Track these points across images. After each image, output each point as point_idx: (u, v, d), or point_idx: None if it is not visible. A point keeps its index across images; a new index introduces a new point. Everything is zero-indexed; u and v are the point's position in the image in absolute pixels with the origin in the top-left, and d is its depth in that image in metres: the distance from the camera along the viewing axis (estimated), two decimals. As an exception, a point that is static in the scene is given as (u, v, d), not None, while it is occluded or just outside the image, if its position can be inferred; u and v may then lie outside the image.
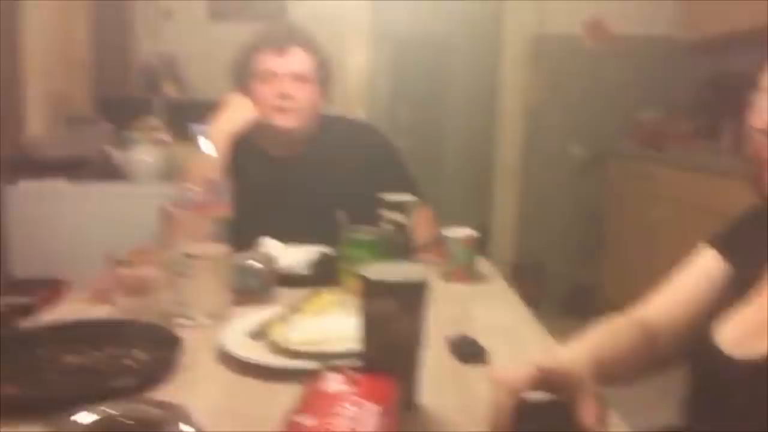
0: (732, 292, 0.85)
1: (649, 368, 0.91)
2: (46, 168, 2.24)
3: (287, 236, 1.44)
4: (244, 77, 1.61)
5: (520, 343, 1.02)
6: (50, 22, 2.57)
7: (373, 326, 0.74)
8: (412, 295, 0.73)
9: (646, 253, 3.01)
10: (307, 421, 0.59)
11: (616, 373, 0.85)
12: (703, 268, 0.92)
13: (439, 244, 1.42)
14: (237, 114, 1.58)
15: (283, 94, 1.55)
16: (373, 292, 0.73)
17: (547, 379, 0.68)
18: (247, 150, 1.61)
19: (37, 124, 2.47)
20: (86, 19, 2.71)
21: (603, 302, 3.60)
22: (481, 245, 1.41)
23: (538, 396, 0.67)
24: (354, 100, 3.55)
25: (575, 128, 3.70)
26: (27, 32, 2.41)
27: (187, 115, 2.29)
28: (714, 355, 0.80)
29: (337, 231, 1.30)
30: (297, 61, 1.58)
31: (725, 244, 0.93)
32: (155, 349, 0.88)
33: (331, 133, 1.70)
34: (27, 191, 2.25)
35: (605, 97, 3.64)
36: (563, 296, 3.68)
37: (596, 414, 0.66)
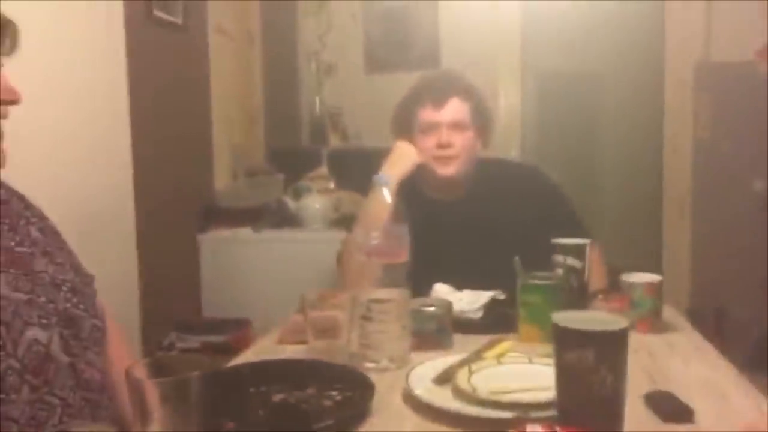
0: None
1: None
2: (231, 217, 2.48)
3: (456, 281, 1.45)
4: (406, 129, 1.68)
5: (726, 399, 0.93)
6: (231, 81, 2.87)
7: (569, 377, 0.72)
8: (610, 345, 0.70)
9: None
10: (518, 474, 0.59)
11: None
12: None
13: (618, 290, 1.35)
14: (404, 160, 1.64)
15: (443, 144, 1.59)
16: (569, 341, 0.71)
17: None
18: (410, 195, 1.66)
19: (222, 177, 2.75)
20: (261, 78, 2.99)
21: (799, 354, 3.19)
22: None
23: None
24: (507, 140, 3.54)
25: (754, 160, 3.38)
26: (213, 91, 2.71)
27: (349, 164, 2.43)
28: None
29: (506, 276, 1.29)
30: (454, 110, 1.62)
31: None
32: (351, 391, 0.93)
33: (493, 175, 1.71)
34: (216, 239, 2.50)
35: (790, 126, 3.29)
36: (749, 347, 3.31)
37: None
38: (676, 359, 1.12)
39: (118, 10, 2.01)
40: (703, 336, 1.28)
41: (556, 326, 0.74)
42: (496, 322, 1.30)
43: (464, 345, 1.15)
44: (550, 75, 4.39)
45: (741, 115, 3.38)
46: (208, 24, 2.66)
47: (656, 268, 3.93)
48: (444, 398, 0.93)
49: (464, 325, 1.30)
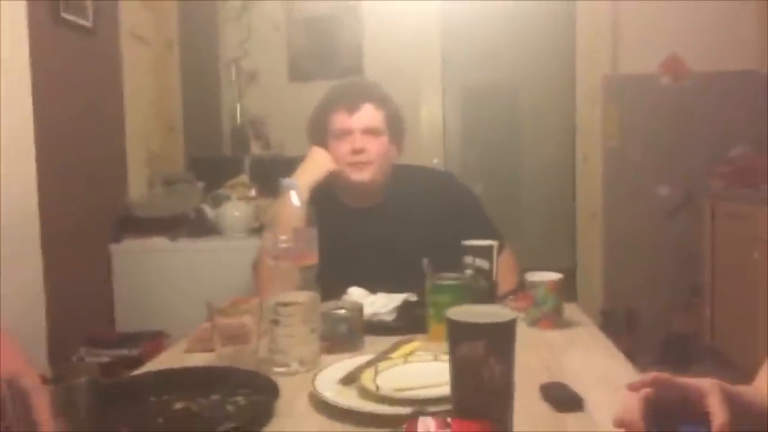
0: None
1: None
2: (147, 227, 2.40)
3: (371, 285, 1.47)
4: (320, 135, 1.69)
5: (617, 391, 0.98)
6: (146, 87, 2.79)
7: (461, 369, 0.75)
8: (500, 336, 0.73)
9: (748, 297, 2.84)
10: (405, 463, 0.60)
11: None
12: None
13: (523, 289, 1.40)
14: (317, 166, 1.65)
15: (356, 150, 1.62)
16: (460, 334, 0.74)
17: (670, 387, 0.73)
18: (326, 201, 1.68)
19: (137, 186, 2.67)
20: (179, 85, 2.93)
21: (701, 351, 3.40)
22: (568, 291, 1.39)
23: None
24: (430, 150, 3.62)
25: (659, 168, 3.59)
26: (127, 99, 2.63)
27: (272, 172, 2.41)
28: None
29: (420, 278, 1.32)
30: (368, 116, 1.65)
31: None
32: (255, 395, 0.92)
33: (408, 182, 1.74)
34: (130, 249, 2.42)
35: (689, 135, 3.52)
36: (658, 345, 3.50)
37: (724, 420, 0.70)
38: (574, 353, 1.17)
39: (21, 11, 1.92)
40: (615, 334, 1.34)
41: (448, 320, 0.76)
42: (409, 323, 1.32)
43: (376, 347, 1.17)
44: (470, 87, 4.53)
45: (646, 124, 3.59)
46: (121, 28, 2.58)
47: (572, 272, 4.09)
48: (349, 398, 0.94)
49: (377, 328, 1.32)
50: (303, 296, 1.08)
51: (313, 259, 1.10)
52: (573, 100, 3.75)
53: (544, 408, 0.91)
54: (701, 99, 3.47)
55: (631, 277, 3.61)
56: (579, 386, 0.95)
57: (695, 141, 3.51)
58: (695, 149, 3.52)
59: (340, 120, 1.63)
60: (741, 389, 0.85)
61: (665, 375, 0.81)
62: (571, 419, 0.87)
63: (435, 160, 3.63)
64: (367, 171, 1.64)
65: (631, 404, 0.78)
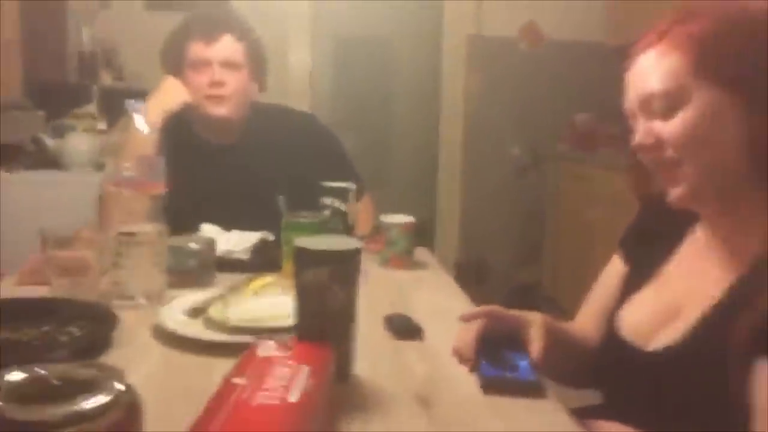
0: (629, 289, 0.92)
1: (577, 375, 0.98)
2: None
3: (228, 222, 1.44)
4: (175, 65, 1.60)
5: (455, 322, 1.06)
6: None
7: (306, 295, 0.76)
8: (344, 264, 0.75)
9: (583, 251, 3.13)
10: (240, 381, 0.61)
11: (564, 357, 0.92)
12: (612, 274, 1.00)
13: (378, 231, 1.44)
14: (170, 96, 1.56)
15: (214, 82, 1.55)
16: (305, 261, 0.75)
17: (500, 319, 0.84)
18: (182, 134, 1.60)
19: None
20: (17, 3, 2.61)
21: (542, 300, 3.72)
22: (425, 241, 1.44)
23: None
24: (297, 96, 3.56)
25: (513, 129, 3.81)
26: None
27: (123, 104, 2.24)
28: (617, 346, 0.87)
29: (277, 218, 1.32)
30: (227, 47, 1.57)
31: (623, 247, 1.01)
32: (91, 326, 0.88)
33: (269, 121, 1.71)
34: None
35: (541, 100, 3.76)
36: (504, 295, 3.78)
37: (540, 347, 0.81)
38: (419, 290, 1.23)
39: None
40: (468, 286, 1.41)
41: (296, 247, 0.77)
42: (264, 262, 1.32)
43: (228, 283, 1.15)
44: (342, 37, 4.49)
45: (504, 86, 3.78)
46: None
47: (432, 223, 4.23)
48: (194, 329, 0.92)
49: (231, 265, 1.30)
50: (148, 227, 1.03)
51: (158, 188, 1.05)
52: (439, 57, 3.85)
53: (386, 336, 0.96)
54: (553, 66, 3.71)
55: (483, 230, 3.84)
56: (420, 318, 1.01)
57: (546, 105, 3.76)
58: (546, 113, 3.77)
59: (197, 49, 1.55)
60: (563, 324, 0.95)
61: (496, 308, 0.89)
62: (410, 346, 0.93)
63: (301, 104, 3.58)
64: (225, 105, 1.58)
65: (466, 334, 0.85)
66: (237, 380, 0.61)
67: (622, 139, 0.88)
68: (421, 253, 1.50)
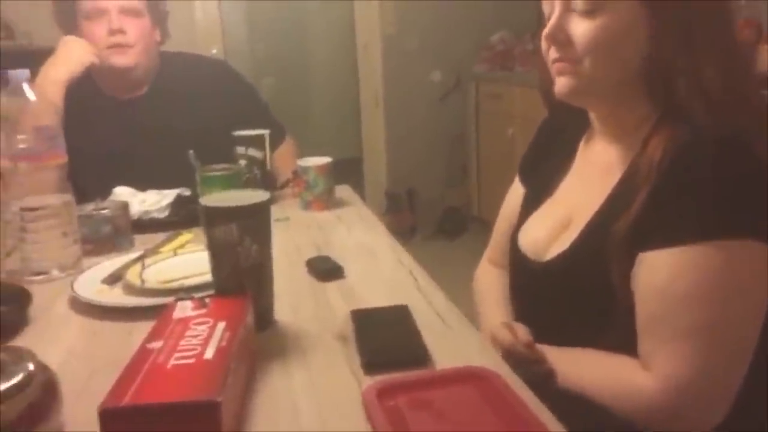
0: (528, 209, 0.97)
1: None
2: None
3: (143, 182, 1.41)
4: (69, 18, 1.51)
5: (374, 258, 1.09)
6: None
7: (218, 252, 0.77)
8: (252, 217, 0.76)
9: (506, 170, 3.22)
10: (156, 345, 0.62)
11: None
12: (513, 197, 1.05)
13: (298, 176, 1.44)
14: (71, 59, 1.48)
15: (114, 31, 1.48)
16: (213, 219, 0.75)
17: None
18: (85, 92, 1.53)
19: None
20: None
21: (471, 221, 3.83)
22: (355, 177, 1.45)
23: None
24: (207, 40, 3.41)
25: (432, 54, 3.80)
26: None
27: (16, 66, 2.10)
28: (519, 262, 0.93)
29: (191, 172, 1.29)
30: None
31: (520, 170, 1.05)
32: (3, 306, 0.86)
33: (178, 70, 1.65)
34: None
35: (458, 22, 3.74)
36: (436, 220, 3.87)
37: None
38: (341, 230, 1.25)
39: None
40: (400, 216, 1.44)
41: (202, 206, 0.77)
42: (183, 218, 1.30)
43: (149, 245, 1.14)
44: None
45: (420, 13, 3.73)
46: None
47: (359, 160, 4.24)
48: (112, 297, 0.92)
49: (150, 226, 1.28)
50: (51, 199, 1.00)
51: (58, 158, 1.01)
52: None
53: (309, 279, 0.98)
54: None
55: (411, 159, 3.88)
56: (341, 257, 1.04)
57: (463, 27, 3.75)
58: (464, 36, 3.76)
59: None
60: None
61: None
62: (332, 287, 0.95)
63: (213, 50, 3.45)
64: (129, 55, 1.51)
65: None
66: (152, 345, 0.62)
67: (537, 55, 0.89)
68: (344, 191, 1.51)
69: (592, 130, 0.92)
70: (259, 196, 0.79)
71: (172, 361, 0.58)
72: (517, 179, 1.06)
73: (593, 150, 0.91)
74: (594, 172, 0.88)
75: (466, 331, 0.80)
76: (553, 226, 0.89)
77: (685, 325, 0.72)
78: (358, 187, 2.60)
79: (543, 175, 0.98)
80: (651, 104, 0.81)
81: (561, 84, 0.83)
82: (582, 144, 0.95)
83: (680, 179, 0.73)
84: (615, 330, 0.78)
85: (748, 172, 0.72)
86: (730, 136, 0.74)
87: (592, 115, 0.90)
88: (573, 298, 0.83)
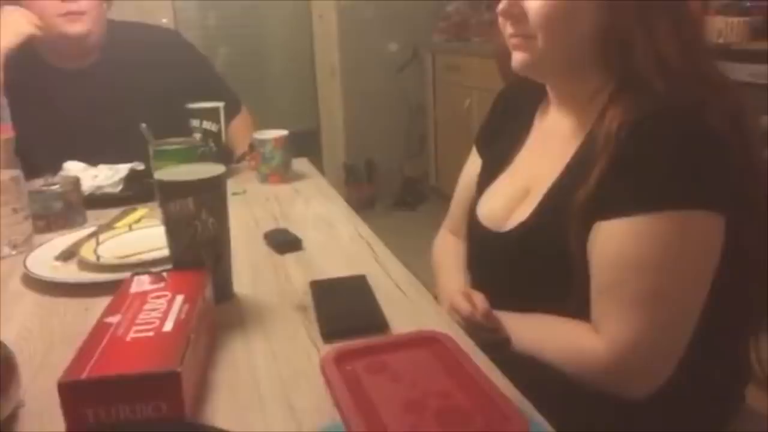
0: (484, 181, 0.99)
1: None
2: None
3: (94, 156, 1.38)
4: None
5: (332, 228, 1.10)
6: None
7: (175, 227, 0.77)
8: (208, 191, 0.76)
9: (463, 140, 3.25)
10: (114, 319, 0.62)
11: None
12: (471, 169, 1.07)
13: (254, 149, 1.43)
14: (12, 30, 1.43)
15: None
16: (168, 194, 0.75)
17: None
18: (30, 64, 1.48)
19: None
20: None
21: (429, 191, 3.87)
22: (313, 149, 1.45)
23: None
24: (155, 9, 3.31)
25: (388, 25, 3.77)
26: None
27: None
28: (477, 233, 0.95)
29: (144, 145, 1.27)
30: None
31: (476, 142, 1.07)
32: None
33: (127, 39, 1.60)
34: None
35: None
36: (395, 191, 3.89)
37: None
38: (299, 202, 1.26)
39: None
40: (359, 188, 1.44)
41: (156, 181, 0.77)
42: (137, 193, 1.28)
43: (102, 221, 1.13)
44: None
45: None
46: None
47: (317, 132, 4.20)
48: (66, 273, 0.91)
49: (103, 201, 1.26)
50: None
51: (5, 132, 0.98)
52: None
53: (267, 252, 0.99)
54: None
55: (369, 131, 3.88)
56: (300, 230, 1.04)
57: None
58: (420, 6, 3.74)
59: None
60: None
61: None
62: (290, 258, 0.96)
63: (164, 20, 3.35)
64: (82, 21, 1.46)
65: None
66: (110, 319, 0.63)
67: (494, 26, 0.90)
68: (301, 164, 1.51)
69: (547, 101, 0.94)
70: (215, 169, 0.78)
71: (131, 335, 0.59)
72: (473, 151, 1.08)
73: (549, 121, 0.93)
74: (551, 143, 0.90)
75: (423, 299, 0.82)
76: (511, 197, 0.91)
77: (634, 292, 0.75)
78: (316, 159, 2.58)
79: (500, 146, 0.99)
80: (606, 75, 0.83)
81: (517, 59, 0.85)
82: (538, 115, 0.97)
83: (637, 150, 0.75)
84: (572, 298, 0.80)
85: (703, 143, 0.74)
86: (687, 107, 0.75)
87: (548, 87, 0.92)
88: (531, 267, 0.85)
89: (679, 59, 0.77)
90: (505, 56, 0.89)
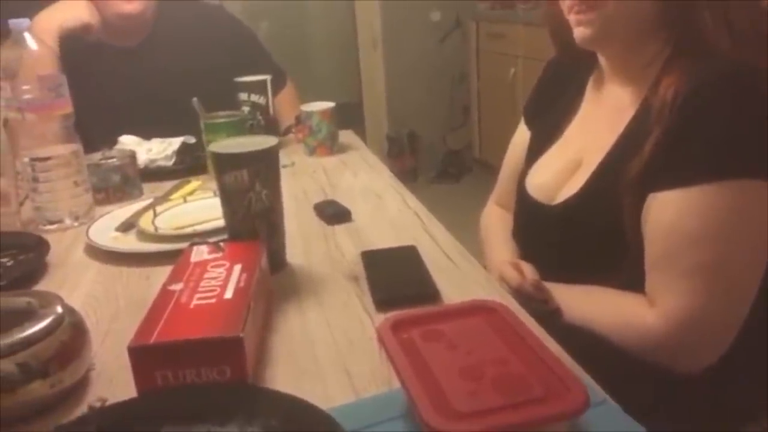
0: (534, 153, 0.97)
1: None
2: None
3: (147, 130, 1.41)
4: None
5: (381, 200, 1.11)
6: None
7: (229, 198, 0.78)
8: (261, 163, 0.77)
9: (508, 110, 3.21)
10: (177, 287, 0.64)
11: None
12: (519, 141, 1.05)
13: (301, 121, 1.45)
14: (72, 13, 1.47)
15: None
16: (223, 166, 0.77)
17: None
18: (85, 45, 1.52)
19: None
20: None
21: (472, 163, 3.84)
22: (356, 122, 1.46)
23: None
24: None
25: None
26: None
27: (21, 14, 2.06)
28: (527, 206, 0.94)
29: (197, 118, 1.30)
30: None
31: (525, 113, 1.05)
32: (22, 255, 0.88)
33: (175, 15, 1.63)
34: None
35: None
36: (438, 162, 3.87)
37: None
38: (346, 174, 1.27)
39: None
40: (401, 160, 1.44)
41: (211, 153, 0.78)
42: (189, 166, 1.32)
43: (157, 193, 1.16)
44: None
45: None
46: None
47: (359, 105, 4.20)
48: (127, 243, 0.94)
49: (157, 174, 1.30)
50: (61, 149, 1.01)
51: (64, 107, 1.01)
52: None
53: (318, 223, 1.00)
54: None
55: (411, 102, 3.85)
56: (348, 201, 1.06)
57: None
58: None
59: None
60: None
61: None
62: (340, 229, 0.97)
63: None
64: (138, 1, 1.49)
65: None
66: (173, 287, 0.65)
67: None
68: (347, 136, 1.52)
69: (600, 70, 0.92)
70: (267, 141, 0.80)
71: (195, 301, 0.61)
72: (522, 122, 1.07)
73: (602, 90, 0.91)
74: (603, 114, 0.88)
75: (473, 269, 0.82)
76: (563, 169, 0.90)
77: (691, 263, 0.74)
78: (359, 131, 2.60)
79: (550, 117, 0.98)
80: (663, 41, 0.80)
81: (582, 34, 0.82)
82: (590, 85, 0.94)
83: (693, 119, 0.73)
84: (624, 271, 0.79)
85: (761, 112, 0.72)
86: (744, 73, 0.73)
87: (602, 57, 0.89)
88: (584, 240, 0.84)
89: (746, 21, 0.74)
90: (557, 24, 0.87)
